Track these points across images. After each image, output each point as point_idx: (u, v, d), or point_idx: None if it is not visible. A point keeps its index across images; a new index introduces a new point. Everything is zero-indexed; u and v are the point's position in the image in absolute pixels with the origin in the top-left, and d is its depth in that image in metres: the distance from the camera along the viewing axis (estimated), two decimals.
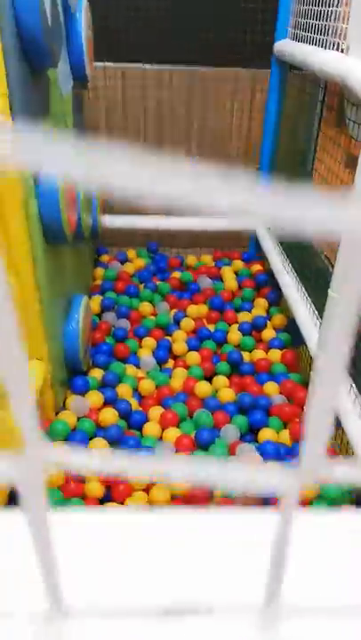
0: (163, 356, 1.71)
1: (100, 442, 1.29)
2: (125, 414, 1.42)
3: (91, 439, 1.31)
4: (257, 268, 2.05)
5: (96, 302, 1.88)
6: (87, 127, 2.03)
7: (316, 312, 1.43)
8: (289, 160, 2.00)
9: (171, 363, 1.72)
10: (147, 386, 1.55)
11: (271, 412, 1.42)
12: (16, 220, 1.05)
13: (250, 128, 2.21)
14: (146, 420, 1.41)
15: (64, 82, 1.44)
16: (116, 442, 1.32)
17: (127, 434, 1.35)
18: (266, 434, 1.33)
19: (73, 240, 1.48)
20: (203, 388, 1.50)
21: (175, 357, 1.74)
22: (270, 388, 1.50)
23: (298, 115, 1.93)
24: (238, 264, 2.10)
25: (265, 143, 2.09)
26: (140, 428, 1.40)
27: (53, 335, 1.30)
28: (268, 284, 1.95)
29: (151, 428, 1.38)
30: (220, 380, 1.56)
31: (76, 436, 1.29)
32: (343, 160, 1.43)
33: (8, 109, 0.97)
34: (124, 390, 1.51)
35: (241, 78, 2.10)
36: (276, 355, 1.64)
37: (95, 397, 1.44)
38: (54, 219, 1.15)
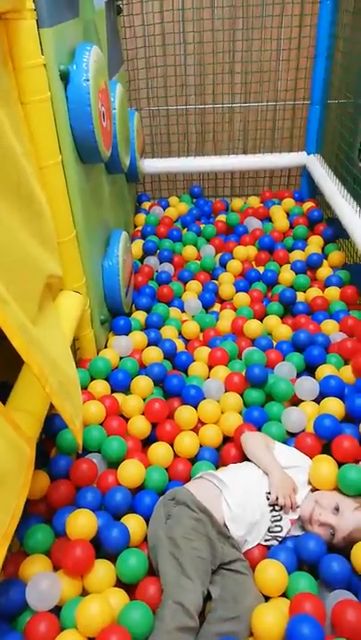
0: (209, 299, 1.59)
1: (143, 380, 1.20)
2: (170, 355, 1.32)
3: (133, 378, 1.22)
4: (310, 204, 1.88)
5: (138, 246, 1.77)
6: (126, 60, 1.89)
7: None
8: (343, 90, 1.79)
9: (217, 306, 1.60)
10: (192, 328, 1.44)
11: (330, 349, 1.28)
12: (46, 132, 0.94)
13: (298, 57, 2.00)
14: (192, 360, 1.31)
15: None
16: (160, 381, 1.23)
17: (171, 373, 1.25)
18: (325, 370, 1.19)
19: (110, 164, 1.38)
20: (253, 326, 1.38)
21: (222, 301, 1.62)
22: (329, 325, 1.35)
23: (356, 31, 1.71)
24: (289, 202, 1.93)
25: (317, 69, 1.88)
26: (185, 370, 1.30)
27: (92, 269, 1.21)
28: (323, 221, 1.78)
29: (197, 369, 1.27)
30: (273, 320, 1.43)
31: (118, 375, 1.21)
32: None
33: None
34: (168, 332, 1.41)
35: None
36: (334, 292, 1.49)
37: (139, 337, 1.34)
38: (86, 130, 1.04)
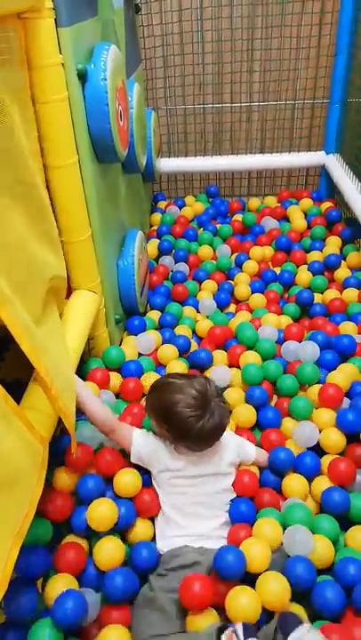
0: (224, 299, 1.57)
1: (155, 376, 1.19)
2: (184, 352, 1.31)
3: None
4: (328, 204, 1.85)
5: (153, 246, 1.77)
6: (143, 59, 1.89)
7: None
8: None
9: (233, 307, 1.59)
10: (206, 327, 1.42)
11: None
12: (63, 132, 0.94)
13: (318, 55, 1.97)
14: (211, 359, 1.29)
15: None
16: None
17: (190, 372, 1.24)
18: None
19: (126, 164, 1.37)
20: (271, 319, 1.39)
21: (238, 302, 1.60)
22: (347, 327, 1.33)
23: None
24: (307, 202, 1.91)
25: (337, 68, 1.85)
26: (202, 369, 1.29)
27: (107, 269, 1.21)
28: (341, 221, 1.75)
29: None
30: (283, 320, 1.42)
31: (130, 366, 1.21)
32: None
33: None
34: (182, 331, 1.40)
35: None
36: (352, 294, 1.46)
37: (153, 337, 1.33)
38: (103, 129, 1.03)
